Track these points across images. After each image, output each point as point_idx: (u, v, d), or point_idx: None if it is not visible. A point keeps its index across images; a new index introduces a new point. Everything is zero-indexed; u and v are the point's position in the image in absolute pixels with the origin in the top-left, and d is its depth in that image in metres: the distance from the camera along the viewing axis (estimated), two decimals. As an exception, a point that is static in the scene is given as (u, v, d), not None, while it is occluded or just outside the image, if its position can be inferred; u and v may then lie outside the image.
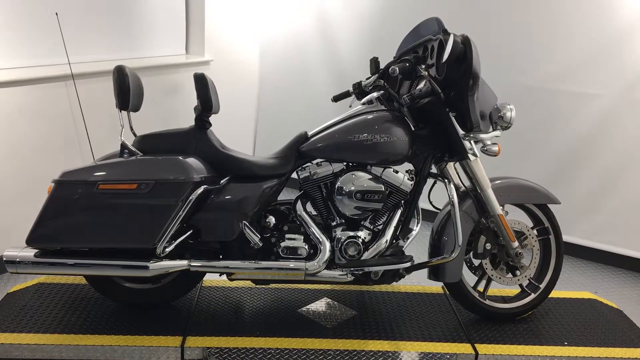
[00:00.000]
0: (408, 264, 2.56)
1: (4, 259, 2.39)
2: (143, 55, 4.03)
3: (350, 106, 2.79)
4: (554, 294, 2.91)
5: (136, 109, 2.58)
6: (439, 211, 2.79)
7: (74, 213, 2.36)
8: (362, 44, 4.59)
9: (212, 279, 3.02)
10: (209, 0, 4.39)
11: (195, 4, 4.38)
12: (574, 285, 3.40)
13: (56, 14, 2.81)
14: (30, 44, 3.38)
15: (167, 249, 2.40)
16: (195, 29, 4.44)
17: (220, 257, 2.56)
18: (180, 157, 2.44)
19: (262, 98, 5.20)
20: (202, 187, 2.40)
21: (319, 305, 2.87)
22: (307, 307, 2.85)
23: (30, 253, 2.40)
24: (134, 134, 2.61)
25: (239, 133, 5.07)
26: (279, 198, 2.66)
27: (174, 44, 4.39)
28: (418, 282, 3.12)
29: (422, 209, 2.66)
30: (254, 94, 5.18)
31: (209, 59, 4.47)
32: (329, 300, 2.93)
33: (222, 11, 4.59)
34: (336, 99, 2.93)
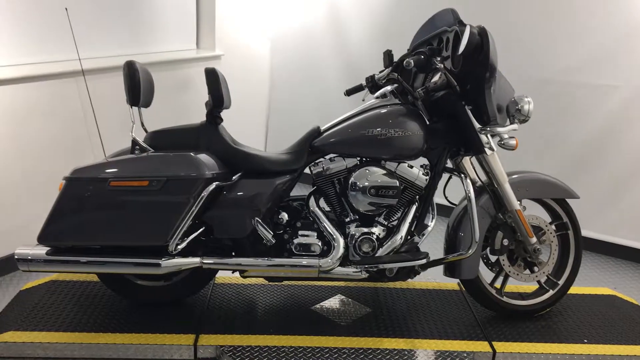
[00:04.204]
0: (423, 261, 2.51)
1: (16, 257, 2.37)
2: (153, 50, 4.00)
3: (363, 100, 2.75)
4: (573, 290, 2.85)
5: (147, 104, 2.55)
6: (454, 206, 2.73)
7: (85, 210, 2.34)
8: (375, 36, 4.53)
9: (224, 276, 2.99)
10: (219, -6, 4.35)
11: (205, -2, 4.35)
12: (592, 281, 3.33)
13: (66, 9, 2.77)
14: (39, 39, 3.36)
15: (180, 247, 2.38)
16: (206, 23, 4.39)
17: (233, 254, 2.53)
18: (191, 154, 2.40)
19: (273, 93, 5.15)
20: (214, 183, 2.37)
21: (333, 303, 2.84)
22: (321, 304, 2.82)
23: (42, 251, 2.38)
24: (145, 130, 2.59)
25: (251, 128, 5.03)
26: (291, 194, 2.63)
27: (185, 38, 4.35)
28: (433, 279, 3.07)
29: (437, 203, 2.61)
30: (265, 88, 5.14)
31: (220, 54, 4.43)
32: (343, 297, 2.89)
33: (232, 5, 4.54)
34: (349, 92, 2.88)
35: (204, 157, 2.41)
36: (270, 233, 2.46)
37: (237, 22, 4.66)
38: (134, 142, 2.49)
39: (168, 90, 3.95)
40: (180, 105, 4.11)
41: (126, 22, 3.80)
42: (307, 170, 2.60)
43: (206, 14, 4.38)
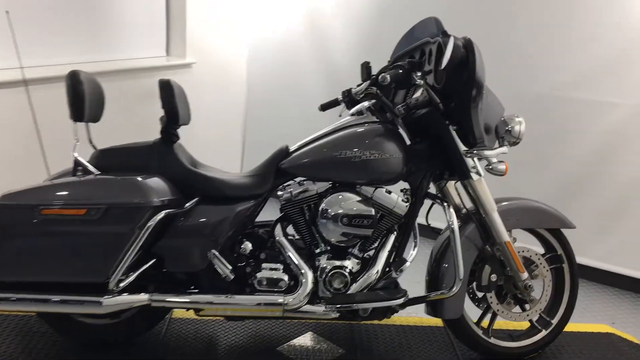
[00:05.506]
0: (401, 300, 2.23)
1: None
2: (119, 57, 3.70)
3: (340, 116, 2.48)
4: (568, 327, 2.59)
5: (95, 119, 2.30)
6: (439, 233, 2.47)
7: (14, 242, 2.07)
8: (359, 45, 4.26)
9: (182, 310, 2.69)
10: (191, -2, 4.07)
11: (176, 1, 4.05)
12: (588, 315, 3.07)
13: (7, 12, 2.50)
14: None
15: (122, 284, 2.09)
16: (176, 28, 4.09)
17: (192, 287, 2.25)
18: (138, 178, 2.13)
19: (250, 105, 4.86)
20: (163, 211, 2.09)
21: (302, 342, 2.55)
22: (289, 343, 2.53)
23: (-34, 287, 2.09)
24: (94, 148, 2.31)
25: (226, 144, 4.70)
26: (263, 217, 2.35)
27: (154, 44, 4.06)
28: (415, 314, 2.78)
29: (420, 224, 2.34)
30: (241, 100, 4.83)
31: (191, 62, 4.13)
32: (314, 335, 2.61)
33: (206, 10, 4.25)
34: (324, 107, 2.61)
35: (153, 181, 2.14)
36: (228, 268, 2.18)
37: (212, 28, 4.37)
38: (77, 163, 2.22)
39: (131, 101, 3.64)
40: (147, 118, 3.79)
41: (88, 26, 3.51)
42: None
43: (176, 18, 4.08)
